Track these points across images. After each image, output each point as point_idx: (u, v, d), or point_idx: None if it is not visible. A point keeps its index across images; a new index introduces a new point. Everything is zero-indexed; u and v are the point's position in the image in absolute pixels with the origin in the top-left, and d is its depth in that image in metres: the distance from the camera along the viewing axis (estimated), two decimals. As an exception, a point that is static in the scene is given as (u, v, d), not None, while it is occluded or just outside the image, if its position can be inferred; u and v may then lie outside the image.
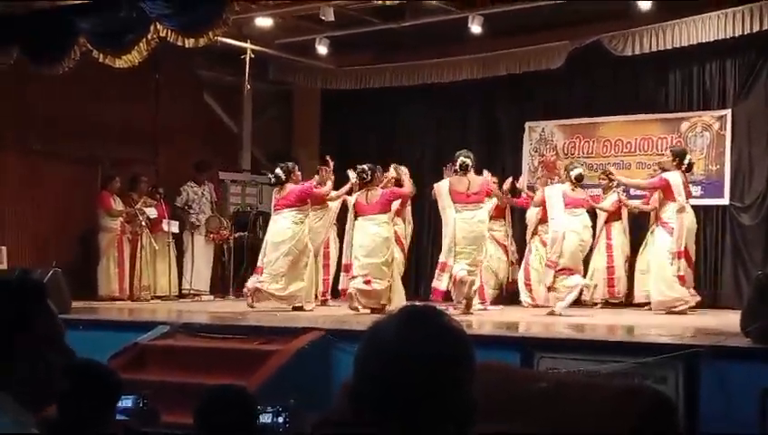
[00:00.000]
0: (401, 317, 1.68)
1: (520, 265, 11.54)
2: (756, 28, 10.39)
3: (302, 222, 10.12)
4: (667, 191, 10.06)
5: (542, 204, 10.53)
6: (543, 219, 10.88)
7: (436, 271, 9.89)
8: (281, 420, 3.44)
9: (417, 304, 1.76)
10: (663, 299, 9.87)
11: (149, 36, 9.92)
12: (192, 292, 12.43)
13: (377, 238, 9.96)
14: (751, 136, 11.35)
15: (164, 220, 12.25)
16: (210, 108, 14.16)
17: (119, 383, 3.39)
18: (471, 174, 9.96)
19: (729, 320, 7.89)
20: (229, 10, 9.68)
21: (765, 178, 11.17)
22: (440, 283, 9.74)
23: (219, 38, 10.44)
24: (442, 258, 9.84)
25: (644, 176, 11.32)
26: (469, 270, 9.65)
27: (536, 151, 12.72)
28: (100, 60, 10.31)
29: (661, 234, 10.09)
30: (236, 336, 8.13)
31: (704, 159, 11.61)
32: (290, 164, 10.41)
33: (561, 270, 9.72)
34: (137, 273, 12.11)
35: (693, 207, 10.39)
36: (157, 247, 12.20)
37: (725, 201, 11.42)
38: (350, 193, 10.75)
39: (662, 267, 9.87)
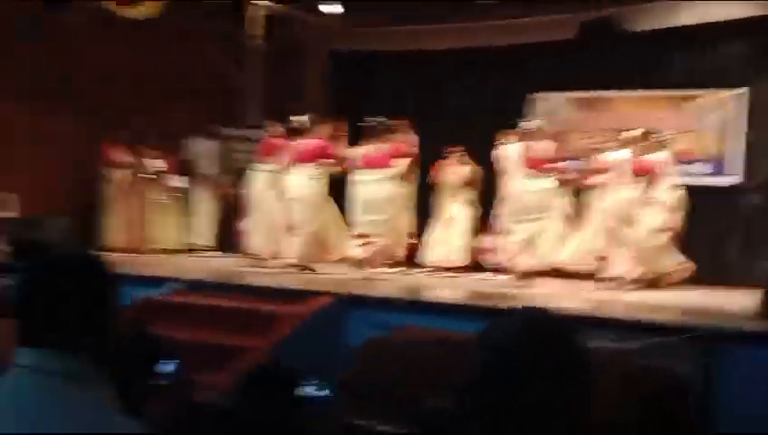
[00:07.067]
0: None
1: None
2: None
3: None
4: None
5: None
6: None
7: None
8: (323, 394, 3.35)
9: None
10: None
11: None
12: (198, 247, 12.39)
13: (378, 195, 9.60)
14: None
15: (171, 174, 12.17)
16: (219, 62, 14.01)
17: (158, 344, 3.27)
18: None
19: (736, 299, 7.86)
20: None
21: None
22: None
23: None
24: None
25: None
26: None
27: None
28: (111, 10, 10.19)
29: None
30: (246, 296, 8.07)
31: (716, 138, 11.57)
32: None
33: None
34: (141, 225, 12.07)
35: (701, 187, 10.37)
36: (163, 201, 12.12)
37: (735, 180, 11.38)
38: None
39: None
